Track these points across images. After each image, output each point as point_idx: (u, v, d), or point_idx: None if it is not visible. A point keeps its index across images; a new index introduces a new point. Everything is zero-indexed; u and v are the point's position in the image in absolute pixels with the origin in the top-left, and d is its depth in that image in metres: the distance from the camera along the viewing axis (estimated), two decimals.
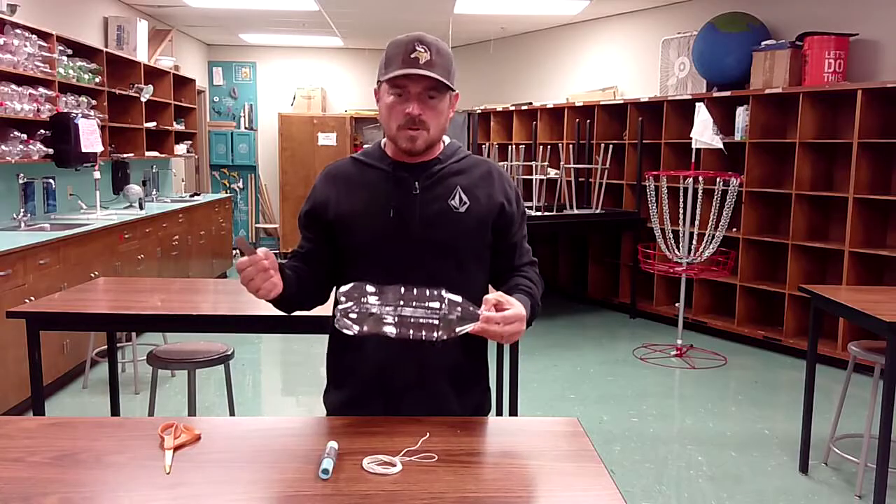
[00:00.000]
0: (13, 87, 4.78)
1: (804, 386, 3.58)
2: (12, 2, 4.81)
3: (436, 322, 1.47)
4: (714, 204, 5.40)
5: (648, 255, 5.84)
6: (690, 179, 5.51)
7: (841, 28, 5.51)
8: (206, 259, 7.75)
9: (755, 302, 6.00)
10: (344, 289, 1.49)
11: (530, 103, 8.25)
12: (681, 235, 5.52)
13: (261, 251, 1.55)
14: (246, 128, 10.28)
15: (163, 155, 7.77)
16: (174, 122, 7.93)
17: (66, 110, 5.37)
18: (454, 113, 1.74)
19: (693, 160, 5.55)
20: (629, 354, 5.64)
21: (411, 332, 1.47)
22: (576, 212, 6.69)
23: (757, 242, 5.92)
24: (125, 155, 6.68)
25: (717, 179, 5.47)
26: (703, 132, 5.29)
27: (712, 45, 6.15)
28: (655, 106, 6.66)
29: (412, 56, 1.59)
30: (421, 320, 1.47)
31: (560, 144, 7.62)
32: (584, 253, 7.48)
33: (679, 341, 5.63)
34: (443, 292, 1.48)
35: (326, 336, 1.82)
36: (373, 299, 1.47)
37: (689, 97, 6.29)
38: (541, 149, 6.97)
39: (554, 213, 6.56)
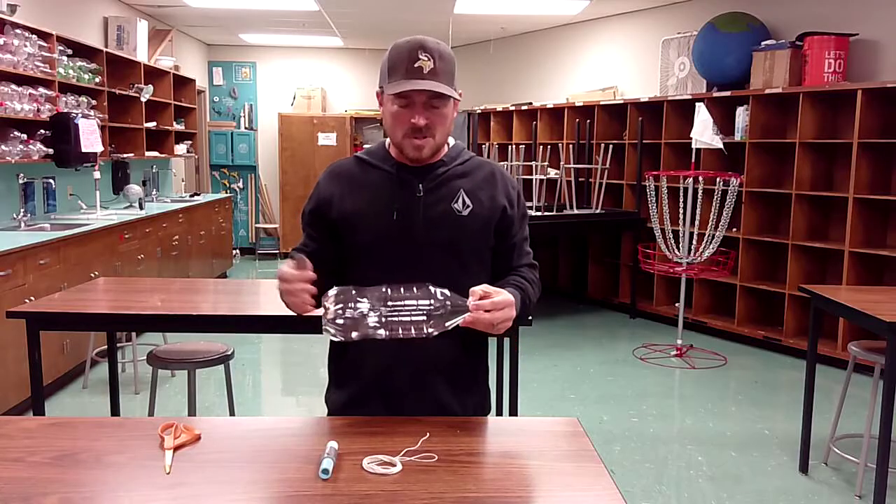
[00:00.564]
0: (13, 87, 4.78)
1: (804, 386, 3.58)
2: (12, 2, 4.81)
3: (423, 318, 1.46)
4: (714, 204, 5.40)
5: (648, 255, 5.84)
6: (690, 179, 5.51)
7: (841, 28, 5.51)
8: (206, 259, 7.76)
9: (755, 302, 6.00)
10: (328, 295, 1.48)
11: (530, 103, 8.25)
12: (681, 235, 5.51)
13: (309, 274, 1.57)
14: (246, 128, 10.28)
15: (163, 155, 7.77)
16: (174, 122, 7.93)
17: (66, 110, 5.37)
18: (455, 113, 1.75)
19: (693, 160, 5.55)
20: (629, 354, 5.64)
21: (400, 330, 1.47)
22: (576, 212, 6.68)
23: (757, 242, 5.91)
24: (125, 155, 6.68)
25: (717, 179, 5.47)
26: (703, 132, 5.29)
27: (712, 45, 6.15)
28: (655, 106, 6.66)
29: (416, 65, 1.59)
30: (407, 318, 1.46)
31: (560, 144, 7.62)
32: (585, 253, 7.47)
33: (679, 341, 5.63)
34: (429, 287, 1.47)
35: (327, 336, 1.82)
36: (358, 304, 1.46)
37: (689, 97, 6.29)
38: (541, 149, 6.97)
39: (554, 213, 6.56)
